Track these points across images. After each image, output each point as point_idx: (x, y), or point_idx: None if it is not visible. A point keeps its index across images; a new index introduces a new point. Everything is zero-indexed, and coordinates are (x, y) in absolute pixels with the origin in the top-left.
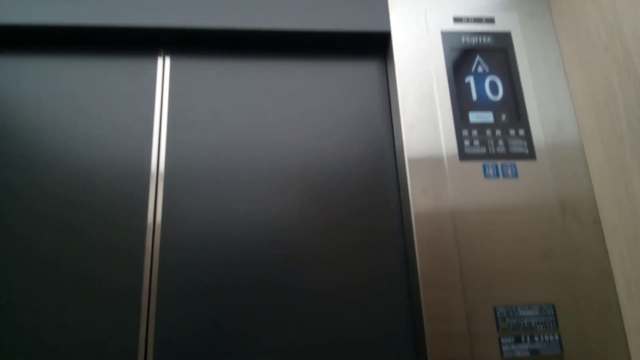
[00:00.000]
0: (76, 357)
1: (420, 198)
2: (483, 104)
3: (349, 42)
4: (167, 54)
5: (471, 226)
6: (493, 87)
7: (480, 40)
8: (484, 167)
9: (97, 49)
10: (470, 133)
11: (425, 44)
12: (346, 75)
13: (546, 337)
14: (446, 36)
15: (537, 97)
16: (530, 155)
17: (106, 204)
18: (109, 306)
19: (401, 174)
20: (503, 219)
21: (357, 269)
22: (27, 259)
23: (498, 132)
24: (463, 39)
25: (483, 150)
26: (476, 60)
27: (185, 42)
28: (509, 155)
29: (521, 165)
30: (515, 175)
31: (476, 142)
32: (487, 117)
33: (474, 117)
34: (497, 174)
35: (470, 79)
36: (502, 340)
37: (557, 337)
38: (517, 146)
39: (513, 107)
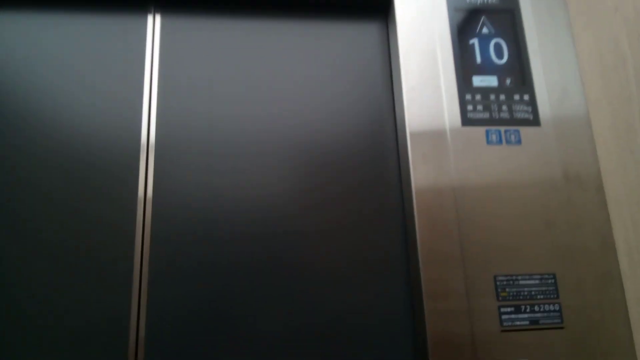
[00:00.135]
0: (64, 333)
1: (420, 166)
2: (487, 68)
3: (349, 1)
4: (158, 12)
5: (473, 195)
6: (498, 50)
7: (485, 0)
8: (487, 133)
9: (81, 5)
10: (473, 97)
11: (428, 3)
12: (346, 37)
13: (546, 307)
14: None
15: (542, 60)
16: (535, 121)
17: (94, 175)
18: (99, 281)
19: (401, 140)
20: (505, 187)
21: (355, 244)
22: (11, 232)
23: (502, 97)
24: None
25: (486, 115)
26: (481, 21)
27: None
28: (513, 121)
29: (525, 131)
30: (519, 141)
31: (479, 107)
32: (492, 81)
33: (478, 81)
34: (500, 141)
35: (475, 41)
36: (502, 309)
37: (557, 307)
38: (522, 112)
39: (518, 71)
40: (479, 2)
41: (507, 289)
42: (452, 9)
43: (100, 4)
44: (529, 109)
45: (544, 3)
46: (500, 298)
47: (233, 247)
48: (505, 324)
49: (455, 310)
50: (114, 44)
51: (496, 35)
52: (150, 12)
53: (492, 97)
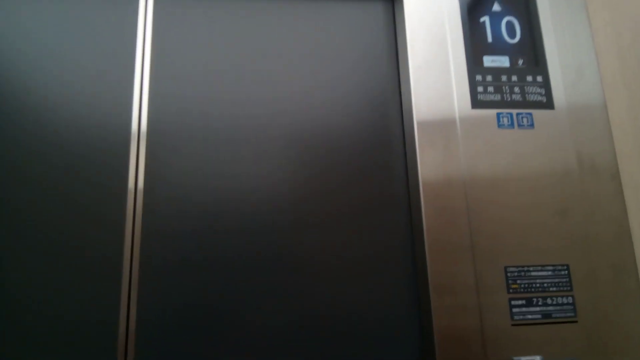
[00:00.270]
0: (52, 327)
1: (428, 150)
2: (499, 47)
3: None
4: None
5: (482, 182)
6: (510, 29)
7: None
8: (498, 116)
9: None
10: (484, 78)
11: None
12: (349, 16)
13: (559, 300)
14: None
15: (556, 40)
16: (548, 104)
17: (81, 164)
18: (87, 275)
19: (407, 123)
20: (516, 174)
21: (358, 235)
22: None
23: (514, 78)
24: None
25: (497, 97)
26: None
27: None
28: (525, 103)
29: (538, 114)
30: (531, 125)
31: (490, 89)
32: (503, 61)
33: (489, 61)
34: (512, 124)
35: (486, 19)
36: (513, 302)
37: (570, 300)
38: (534, 94)
39: (531, 51)
40: None
41: (518, 281)
42: None
43: None
44: (542, 91)
45: None
46: (510, 290)
47: (230, 238)
48: (516, 317)
49: (464, 303)
50: (104, 22)
51: (508, 13)
52: None
53: (504, 78)
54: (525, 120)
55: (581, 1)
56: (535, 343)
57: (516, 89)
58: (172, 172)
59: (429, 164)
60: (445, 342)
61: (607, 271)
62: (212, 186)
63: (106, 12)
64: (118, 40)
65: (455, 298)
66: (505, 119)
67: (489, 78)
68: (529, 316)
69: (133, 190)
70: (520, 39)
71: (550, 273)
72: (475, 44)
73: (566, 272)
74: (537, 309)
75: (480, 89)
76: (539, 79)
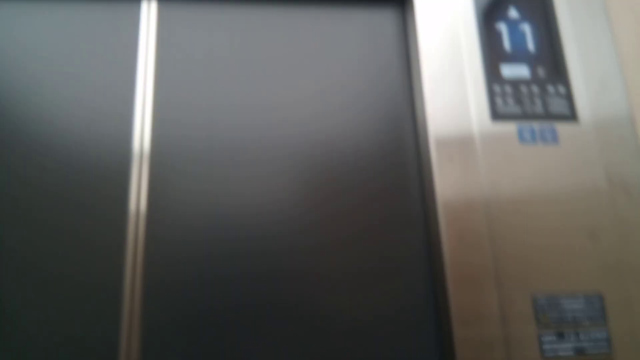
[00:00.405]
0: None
1: (445, 167)
2: (517, 56)
3: None
4: None
5: (506, 202)
6: (528, 36)
7: None
8: (519, 131)
9: None
10: (503, 89)
11: None
12: (358, 25)
13: (593, 334)
14: None
15: (578, 47)
16: (572, 116)
17: (80, 185)
18: (86, 306)
19: (422, 138)
20: (541, 193)
21: (372, 261)
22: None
23: (535, 89)
24: None
25: (518, 109)
26: (509, 5)
27: None
28: (548, 115)
29: (562, 128)
30: (555, 140)
31: (510, 100)
32: (522, 71)
33: (507, 71)
34: (534, 139)
35: (503, 27)
36: (543, 337)
37: (605, 334)
38: (557, 105)
39: (551, 60)
40: None
41: (547, 313)
42: None
43: None
44: (566, 102)
45: None
46: (540, 323)
47: (238, 265)
48: (547, 354)
49: (489, 337)
50: (105, 34)
51: (526, 19)
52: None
53: (524, 88)
54: (548, 135)
55: (602, 5)
56: None
57: (537, 100)
58: (175, 194)
59: (446, 183)
60: None
61: None
62: (219, 208)
63: (106, 24)
64: (119, 55)
65: (480, 330)
66: (527, 134)
67: (507, 89)
68: (561, 353)
69: (135, 215)
70: (540, 47)
71: (582, 305)
72: (492, 52)
73: (600, 302)
74: (570, 344)
75: (499, 100)
76: (562, 89)
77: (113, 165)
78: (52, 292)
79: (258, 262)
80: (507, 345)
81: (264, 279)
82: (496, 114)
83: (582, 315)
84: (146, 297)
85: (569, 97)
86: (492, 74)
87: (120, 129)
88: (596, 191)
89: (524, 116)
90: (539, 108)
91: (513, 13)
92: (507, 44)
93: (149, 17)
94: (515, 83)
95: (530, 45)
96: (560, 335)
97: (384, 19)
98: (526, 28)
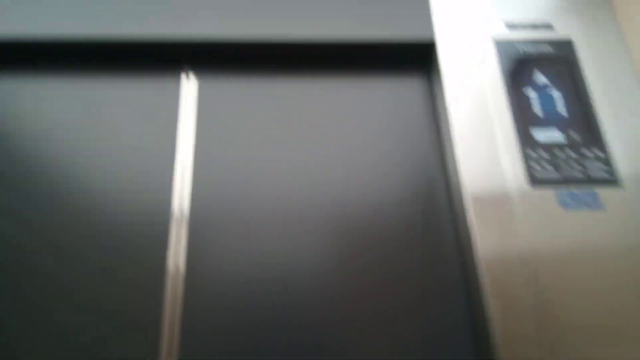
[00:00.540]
0: None
1: (484, 230)
2: (548, 120)
3: (388, 54)
4: (191, 71)
5: (549, 270)
6: (558, 100)
7: (538, 48)
8: (559, 197)
9: (111, 66)
10: (537, 153)
11: (476, 54)
12: (387, 92)
13: None
14: (500, 45)
15: (613, 111)
16: (614, 180)
17: (121, 248)
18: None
19: (457, 206)
20: (588, 260)
21: (410, 330)
22: (29, 308)
23: (571, 153)
24: (519, 48)
25: (555, 175)
26: (535, 71)
27: (211, 57)
28: (588, 180)
29: (604, 193)
30: (598, 205)
31: (546, 165)
32: (555, 135)
33: (540, 135)
34: (577, 205)
35: (531, 93)
36: None
37: None
38: (596, 170)
39: (584, 123)
40: (531, 50)
41: None
42: (502, 58)
43: (135, 65)
44: (605, 167)
45: (603, 48)
46: None
47: (272, 327)
48: None
49: None
50: (146, 107)
51: (553, 84)
52: (184, 72)
53: (559, 153)
54: (590, 199)
55: (631, 69)
56: None
57: (575, 165)
58: (213, 256)
59: (486, 246)
60: None
61: None
62: (256, 269)
63: (149, 97)
64: (161, 125)
65: None
66: (568, 199)
67: (542, 153)
68: None
69: (174, 274)
70: (570, 111)
71: None
72: (523, 117)
73: None
74: None
75: (534, 165)
76: (599, 153)
77: (154, 228)
78: (95, 346)
79: (292, 325)
80: None
81: (298, 343)
82: (534, 179)
83: None
84: (183, 349)
85: (607, 161)
86: (525, 138)
87: (160, 195)
88: None
89: (564, 181)
90: (577, 173)
91: (540, 78)
92: (537, 108)
93: (188, 89)
94: (549, 147)
95: (561, 108)
96: None
97: (411, 86)
98: (554, 93)
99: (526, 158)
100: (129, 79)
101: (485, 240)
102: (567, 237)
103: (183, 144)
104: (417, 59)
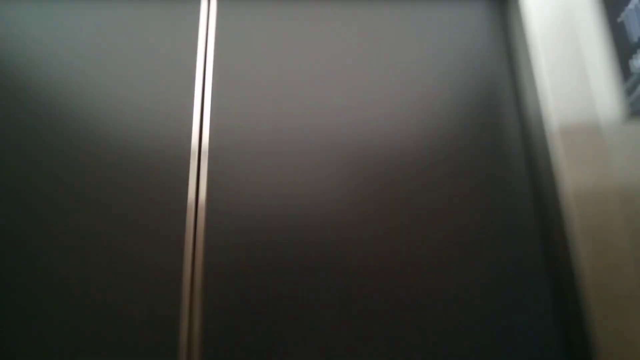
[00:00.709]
0: (112, 346)
1: (573, 171)
2: None
3: None
4: None
5: None
6: None
7: None
8: None
9: None
10: (634, 84)
11: None
12: (453, 18)
13: None
14: None
15: None
16: None
17: (141, 178)
18: (149, 292)
19: (537, 139)
20: None
21: (479, 274)
22: (60, 241)
23: None
24: None
25: None
26: None
27: None
28: None
29: None
30: None
31: None
32: None
33: (637, 64)
34: None
35: (625, 17)
36: None
37: None
38: None
39: None
40: None
41: None
42: None
43: None
44: None
45: None
46: None
47: (293, 255)
48: None
49: None
50: (164, 32)
51: None
52: None
53: None
54: None
55: None
56: None
57: None
58: (233, 187)
59: (575, 183)
60: None
61: None
62: (279, 202)
63: (167, 24)
64: (179, 53)
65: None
66: None
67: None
68: None
69: (193, 206)
70: None
71: None
72: (618, 46)
73: None
74: None
75: (630, 96)
76: None
77: (174, 159)
78: (118, 280)
79: (315, 251)
80: None
81: (322, 267)
82: (632, 111)
83: None
84: (205, 282)
85: None
86: (620, 68)
87: (180, 126)
88: None
89: None
90: None
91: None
92: (633, 35)
93: (208, 14)
94: None
95: None
96: None
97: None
98: None
99: (621, 89)
100: (147, 1)
101: (574, 176)
102: None
103: (202, 70)
104: None
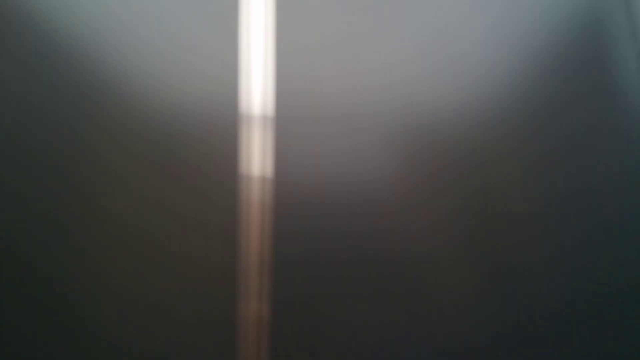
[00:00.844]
0: (164, 329)
1: None
2: None
3: None
4: None
5: None
6: None
7: None
8: None
9: None
10: None
11: None
12: None
13: None
14: None
15: None
16: None
17: (190, 149)
18: (201, 274)
19: None
20: None
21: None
22: (100, 225)
23: None
24: None
25: None
26: None
27: None
28: None
29: None
30: None
31: None
32: None
33: None
34: None
35: None
36: None
37: None
38: None
39: None
40: None
41: None
42: None
43: None
44: None
45: None
46: None
47: (359, 234)
48: None
49: None
50: None
51: None
52: None
53: None
54: None
55: None
56: None
57: None
58: (296, 160)
59: None
60: None
61: None
62: (342, 178)
63: None
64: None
65: None
66: None
67: None
68: None
69: (247, 177)
70: None
71: None
72: None
73: None
74: None
75: None
76: None
77: (224, 130)
78: (164, 262)
79: (384, 232)
80: None
81: (389, 250)
82: None
83: None
84: (270, 260)
85: None
86: None
87: (234, 94)
88: None
89: None
90: None
91: None
92: None
93: None
94: None
95: None
96: None
97: None
98: None
99: None
100: None
101: None
102: None
103: (264, 33)
104: None
